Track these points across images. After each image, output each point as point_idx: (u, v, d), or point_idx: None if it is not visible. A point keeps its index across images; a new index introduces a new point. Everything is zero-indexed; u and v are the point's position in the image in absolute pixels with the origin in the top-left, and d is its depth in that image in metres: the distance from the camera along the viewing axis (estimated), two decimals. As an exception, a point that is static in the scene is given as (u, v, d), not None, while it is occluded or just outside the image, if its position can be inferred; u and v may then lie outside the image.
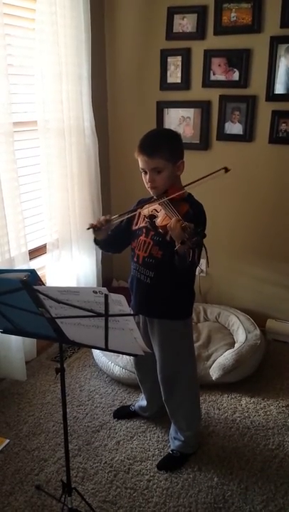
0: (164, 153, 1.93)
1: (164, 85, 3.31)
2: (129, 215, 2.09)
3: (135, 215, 2.11)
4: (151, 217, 2.00)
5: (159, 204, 1.94)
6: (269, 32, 2.91)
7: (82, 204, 3.17)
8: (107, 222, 2.02)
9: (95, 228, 2.04)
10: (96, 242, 2.15)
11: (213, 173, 1.95)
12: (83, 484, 2.19)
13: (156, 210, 1.98)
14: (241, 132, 3.16)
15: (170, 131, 2.19)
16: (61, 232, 3.08)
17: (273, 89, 2.98)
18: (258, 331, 3.05)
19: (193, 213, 1.89)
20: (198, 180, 1.95)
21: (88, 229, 2.05)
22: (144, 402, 2.54)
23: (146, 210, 2.03)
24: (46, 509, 2.06)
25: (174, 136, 2.05)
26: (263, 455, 2.35)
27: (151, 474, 2.25)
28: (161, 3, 3.17)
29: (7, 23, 2.51)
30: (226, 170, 1.97)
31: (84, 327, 1.53)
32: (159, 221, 1.92)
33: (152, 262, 2.04)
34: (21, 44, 2.76)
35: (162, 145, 1.96)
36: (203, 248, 1.73)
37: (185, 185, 1.98)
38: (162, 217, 1.91)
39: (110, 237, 2.10)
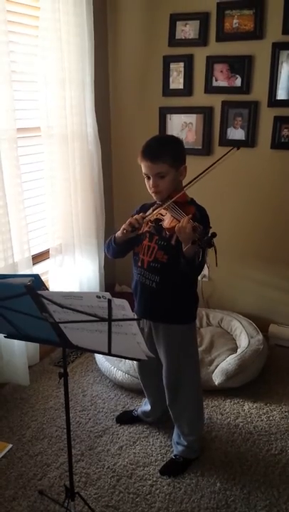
0: (167, 158, 1.94)
1: (167, 91, 3.33)
2: (159, 209, 1.99)
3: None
4: (157, 221, 2.00)
5: (164, 208, 1.95)
6: (271, 38, 2.93)
7: (84, 209, 3.18)
8: (142, 219, 1.96)
9: (134, 228, 1.96)
10: (116, 243, 2.09)
11: (225, 154, 2.00)
12: (86, 489, 2.19)
13: (161, 214, 1.99)
14: (243, 138, 3.17)
15: (172, 136, 2.21)
16: (64, 238, 3.09)
17: (275, 95, 3.00)
18: (260, 336, 3.05)
19: (199, 216, 1.90)
20: (211, 165, 1.96)
21: (127, 228, 1.97)
22: (147, 407, 2.54)
23: (151, 216, 2.03)
24: (49, 514, 2.06)
25: (176, 141, 2.07)
26: (266, 460, 2.35)
27: (154, 479, 2.25)
28: (164, 9, 3.19)
29: (11, 30, 2.53)
30: (238, 148, 2.03)
31: (87, 332, 1.53)
32: (166, 223, 1.92)
33: (157, 266, 2.04)
34: (25, 51, 2.78)
35: (165, 150, 1.97)
36: (213, 249, 1.71)
37: (194, 178, 1.96)
38: (169, 220, 1.91)
39: (129, 240, 2.05)
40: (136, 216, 2.00)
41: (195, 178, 1.97)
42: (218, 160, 1.96)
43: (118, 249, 2.14)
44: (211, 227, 1.90)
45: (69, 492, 1.88)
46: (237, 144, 3.18)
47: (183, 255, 1.76)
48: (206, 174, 1.96)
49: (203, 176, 1.96)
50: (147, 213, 2.01)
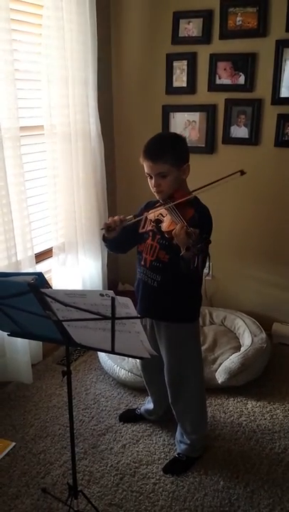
0: (169, 158, 1.93)
1: (170, 89, 3.33)
2: (142, 217, 2.06)
3: (145, 216, 2.10)
4: (157, 222, 2.00)
5: (164, 209, 1.94)
6: (274, 36, 2.93)
7: (88, 208, 3.18)
8: (121, 223, 2.00)
9: (109, 228, 2.02)
10: (104, 239, 2.12)
11: (229, 176, 1.94)
12: (89, 487, 2.19)
13: (162, 215, 1.98)
14: (247, 136, 3.16)
15: (174, 134, 2.17)
16: (67, 236, 3.09)
17: (279, 93, 2.99)
18: (263, 335, 3.05)
19: (198, 218, 1.89)
20: (212, 183, 1.93)
21: (102, 229, 2.03)
22: (150, 405, 2.54)
23: (152, 215, 2.03)
24: (52, 512, 2.07)
25: (178, 139, 2.05)
26: (269, 459, 2.35)
27: (157, 478, 2.25)
28: (167, 7, 3.19)
29: (14, 28, 2.53)
30: (242, 173, 1.96)
31: (90, 330, 1.53)
32: (164, 226, 1.93)
33: (159, 265, 2.04)
34: (28, 49, 2.78)
35: (166, 150, 1.96)
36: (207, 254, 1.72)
37: (196, 189, 1.97)
38: (168, 222, 1.91)
39: (119, 237, 2.07)
40: (115, 217, 2.01)
41: (196, 190, 1.97)
42: (220, 179, 1.93)
43: (110, 246, 2.18)
44: (208, 234, 1.89)
45: (72, 490, 1.89)
46: (240, 141, 3.18)
47: (181, 257, 1.76)
48: (206, 190, 1.94)
49: (204, 191, 1.95)
50: (127, 217, 2.02)
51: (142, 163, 2.00)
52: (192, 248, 1.64)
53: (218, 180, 1.93)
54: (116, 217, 2.02)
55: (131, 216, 2.04)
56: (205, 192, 1.95)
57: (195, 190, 1.97)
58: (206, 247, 1.65)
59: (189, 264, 1.72)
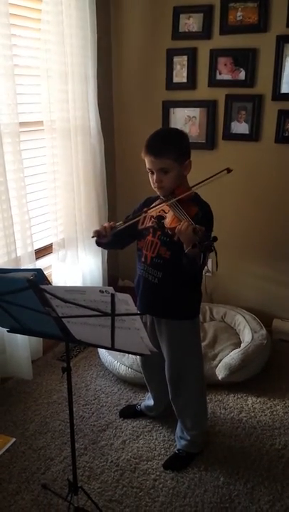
0: (172, 153, 1.92)
1: (170, 85, 3.31)
2: (133, 221, 2.04)
3: (145, 212, 2.09)
4: (160, 218, 1.99)
5: (167, 205, 1.94)
6: (275, 31, 2.91)
7: (87, 204, 3.17)
8: (111, 229, 1.98)
9: (99, 236, 2.00)
10: (98, 244, 2.10)
11: (216, 174, 1.94)
12: (89, 483, 2.19)
13: (164, 211, 1.98)
14: (247, 132, 3.15)
15: (177, 130, 2.16)
16: (67, 232, 3.09)
17: (280, 89, 2.98)
18: (264, 331, 3.05)
19: (202, 215, 1.89)
20: (201, 182, 1.94)
21: (93, 237, 2.01)
22: (150, 402, 2.54)
23: (153, 211, 2.02)
24: (52, 508, 2.06)
25: (181, 135, 2.04)
26: (270, 455, 2.35)
27: (158, 474, 2.25)
28: (167, 2, 3.17)
29: (13, 23, 2.51)
30: (228, 170, 1.96)
31: (90, 326, 1.53)
32: (167, 222, 1.92)
33: (160, 262, 2.03)
34: (27, 44, 2.77)
35: (169, 145, 1.95)
36: (213, 251, 1.71)
37: (191, 187, 1.97)
38: (171, 218, 1.90)
39: (113, 239, 2.05)
40: (105, 224, 2.00)
41: (192, 187, 1.97)
42: (207, 178, 1.94)
43: (106, 248, 2.20)
44: (212, 231, 1.89)
45: (72, 486, 1.89)
46: (240, 137, 3.17)
47: (184, 254, 1.75)
48: (200, 187, 1.95)
49: (199, 187, 1.96)
50: (117, 223, 2.01)
51: (143, 158, 1.98)
52: (198, 245, 1.63)
53: (205, 180, 1.94)
54: (106, 224, 2.00)
55: (121, 222, 2.02)
56: (204, 187, 1.95)
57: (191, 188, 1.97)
58: (212, 244, 1.65)
59: (194, 261, 1.72)
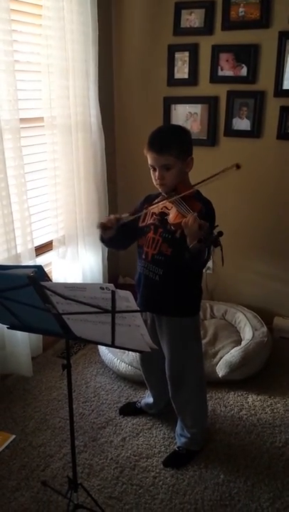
0: (174, 150, 1.91)
1: (172, 81, 3.30)
2: (140, 214, 2.05)
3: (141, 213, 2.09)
4: (162, 215, 1.98)
5: (169, 202, 1.93)
6: (277, 27, 2.89)
7: (88, 200, 3.16)
8: (117, 221, 1.98)
9: (104, 227, 2.00)
10: (102, 240, 2.10)
11: (224, 170, 1.92)
12: (89, 480, 2.19)
13: (166, 208, 1.97)
14: (249, 128, 3.13)
15: (180, 127, 2.14)
16: (67, 229, 3.08)
17: (281, 85, 2.96)
18: (264, 329, 3.04)
19: (205, 211, 1.88)
20: (209, 178, 1.92)
21: (98, 227, 2.01)
22: (150, 399, 2.54)
23: (156, 208, 2.01)
24: (52, 505, 2.06)
25: (183, 132, 2.03)
26: (270, 453, 2.34)
27: (157, 471, 2.24)
28: (169, -2, 3.15)
29: (14, 19, 2.50)
30: (238, 167, 1.94)
31: (90, 323, 1.52)
32: (171, 218, 1.91)
33: (162, 259, 2.02)
34: (28, 40, 2.76)
35: (172, 142, 1.94)
36: (219, 246, 1.70)
37: (195, 184, 1.96)
38: (174, 214, 1.89)
39: (117, 235, 2.05)
40: (111, 216, 1.99)
41: (196, 185, 1.95)
42: (216, 174, 1.91)
43: (106, 244, 2.16)
44: (217, 226, 1.88)
45: (72, 483, 1.89)
46: (242, 133, 3.16)
47: (188, 250, 1.74)
48: (206, 184, 1.93)
49: (204, 185, 1.94)
50: (123, 215, 2.00)
51: (145, 155, 1.97)
52: (204, 240, 1.63)
53: (214, 176, 1.91)
54: (112, 216, 2.00)
55: (127, 214, 2.02)
56: (205, 184, 1.93)
57: (194, 185, 1.96)
58: (218, 239, 1.64)
59: (197, 256, 1.71)
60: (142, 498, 2.10)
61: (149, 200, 2.10)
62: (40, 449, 2.37)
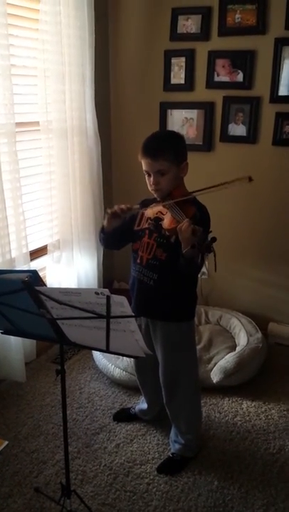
0: (168, 155, 1.92)
1: (168, 86, 3.30)
2: (144, 208, 2.05)
3: (141, 213, 2.08)
4: (157, 220, 1.98)
5: (164, 207, 1.93)
6: (274, 33, 2.91)
7: (83, 205, 3.15)
8: (128, 210, 1.98)
9: (114, 215, 1.99)
10: (103, 231, 2.10)
11: (235, 181, 1.88)
12: (82, 487, 2.17)
13: (161, 213, 1.97)
14: (245, 134, 3.14)
15: (173, 132, 2.17)
16: (62, 233, 3.07)
17: (277, 91, 2.97)
18: (259, 334, 3.04)
19: (200, 216, 1.88)
20: (218, 185, 1.89)
21: (107, 214, 2.00)
22: (144, 405, 2.52)
23: (150, 212, 2.01)
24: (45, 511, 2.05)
25: (177, 137, 2.04)
26: (264, 459, 2.33)
27: (151, 477, 2.23)
28: (166, 3, 3.16)
29: (10, 23, 2.50)
30: (250, 179, 1.88)
31: (85, 328, 1.51)
32: (165, 223, 1.91)
33: (156, 264, 2.02)
34: (24, 44, 2.75)
35: (166, 147, 1.94)
36: (212, 251, 1.70)
37: (197, 191, 1.95)
38: (169, 219, 1.89)
39: (117, 230, 2.06)
40: (122, 206, 1.99)
41: (199, 190, 1.94)
42: (225, 183, 1.89)
43: (107, 239, 2.15)
44: (211, 231, 1.88)
45: (65, 490, 1.87)
46: (238, 139, 3.16)
47: (182, 255, 1.74)
48: (207, 192, 1.91)
49: (207, 192, 1.92)
50: (134, 206, 2.00)
51: (140, 161, 1.97)
52: (197, 245, 1.63)
53: (223, 184, 1.89)
54: (123, 206, 1.99)
55: (137, 206, 2.02)
56: (212, 192, 1.93)
57: (195, 191, 1.95)
58: (211, 245, 1.64)
59: (191, 262, 1.71)
60: (135, 505, 2.08)
61: (145, 204, 2.10)
62: (33, 455, 2.35)
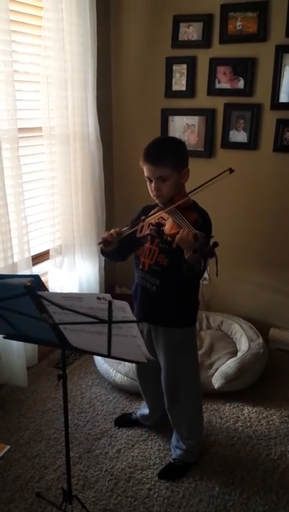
0: (170, 161, 1.93)
1: (169, 93, 3.32)
2: (138, 226, 2.05)
3: (143, 219, 2.09)
4: (159, 226, 1.99)
5: (166, 212, 1.93)
6: (274, 41, 2.93)
7: (85, 210, 3.17)
8: (118, 235, 1.98)
9: (106, 242, 2.00)
10: (103, 253, 2.10)
11: (219, 175, 1.94)
12: (84, 492, 2.17)
13: (163, 218, 1.97)
14: (246, 140, 3.16)
15: (175, 139, 2.18)
16: (64, 239, 3.08)
17: (278, 98, 2.99)
18: (260, 340, 3.04)
19: (201, 221, 1.89)
20: (203, 184, 1.94)
21: (100, 244, 2.01)
22: (146, 411, 2.52)
23: (152, 219, 2.02)
24: (46, 517, 2.04)
25: (179, 144, 2.05)
26: (265, 465, 2.33)
27: (152, 483, 2.23)
28: (167, 11, 3.18)
29: (13, 29, 2.52)
30: (231, 171, 1.96)
31: (87, 333, 1.52)
32: (167, 229, 1.91)
33: (158, 269, 2.03)
34: (27, 51, 2.78)
35: (168, 153, 1.95)
36: (214, 256, 1.71)
37: (190, 191, 1.97)
38: (170, 225, 1.90)
39: (118, 247, 2.05)
40: (112, 231, 1.99)
41: (191, 192, 1.97)
42: (210, 180, 1.93)
43: (110, 258, 2.16)
44: (212, 236, 1.89)
45: (66, 495, 1.87)
46: (239, 146, 3.18)
47: (184, 261, 1.75)
48: (201, 190, 1.94)
49: (197, 192, 1.95)
50: (123, 229, 2.00)
51: (141, 167, 1.98)
52: (199, 251, 1.63)
53: (208, 182, 1.93)
54: (112, 231, 1.99)
55: (126, 228, 2.02)
56: (202, 195, 1.94)
57: (190, 192, 1.97)
58: (213, 250, 1.65)
59: (194, 267, 1.72)
60: (136, 511, 2.08)
61: (147, 211, 2.11)
62: (34, 460, 2.35)
